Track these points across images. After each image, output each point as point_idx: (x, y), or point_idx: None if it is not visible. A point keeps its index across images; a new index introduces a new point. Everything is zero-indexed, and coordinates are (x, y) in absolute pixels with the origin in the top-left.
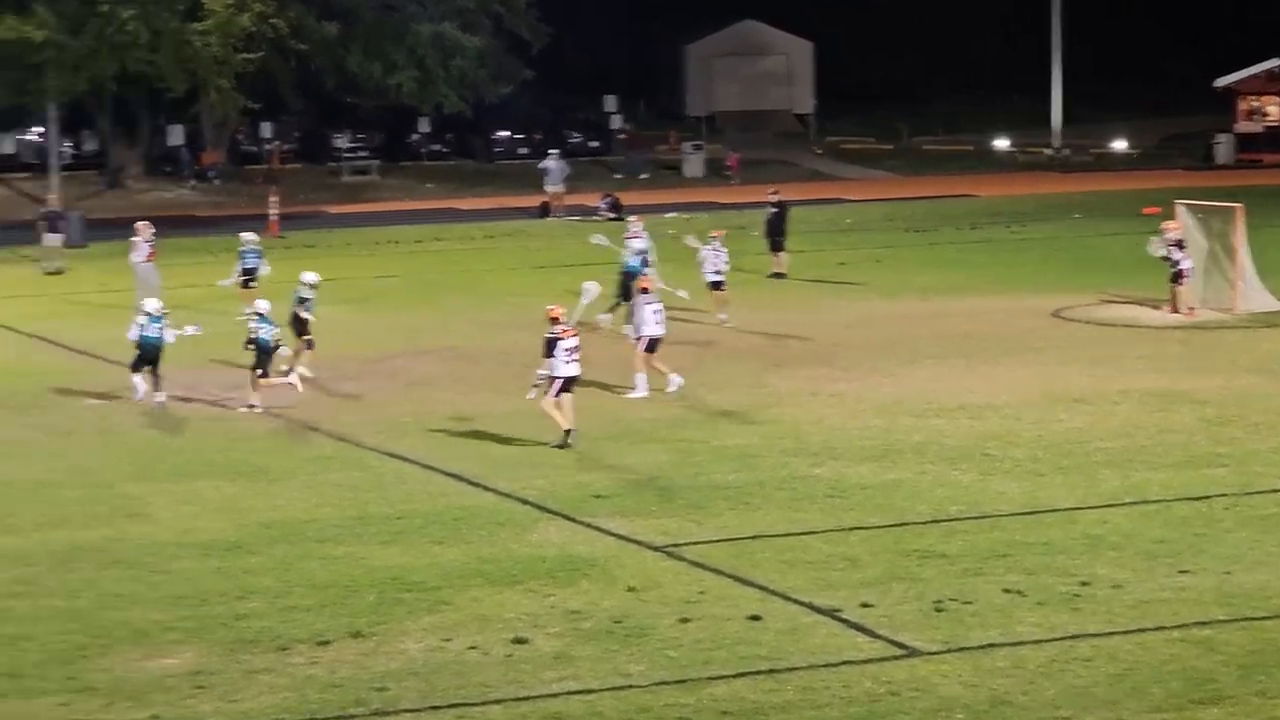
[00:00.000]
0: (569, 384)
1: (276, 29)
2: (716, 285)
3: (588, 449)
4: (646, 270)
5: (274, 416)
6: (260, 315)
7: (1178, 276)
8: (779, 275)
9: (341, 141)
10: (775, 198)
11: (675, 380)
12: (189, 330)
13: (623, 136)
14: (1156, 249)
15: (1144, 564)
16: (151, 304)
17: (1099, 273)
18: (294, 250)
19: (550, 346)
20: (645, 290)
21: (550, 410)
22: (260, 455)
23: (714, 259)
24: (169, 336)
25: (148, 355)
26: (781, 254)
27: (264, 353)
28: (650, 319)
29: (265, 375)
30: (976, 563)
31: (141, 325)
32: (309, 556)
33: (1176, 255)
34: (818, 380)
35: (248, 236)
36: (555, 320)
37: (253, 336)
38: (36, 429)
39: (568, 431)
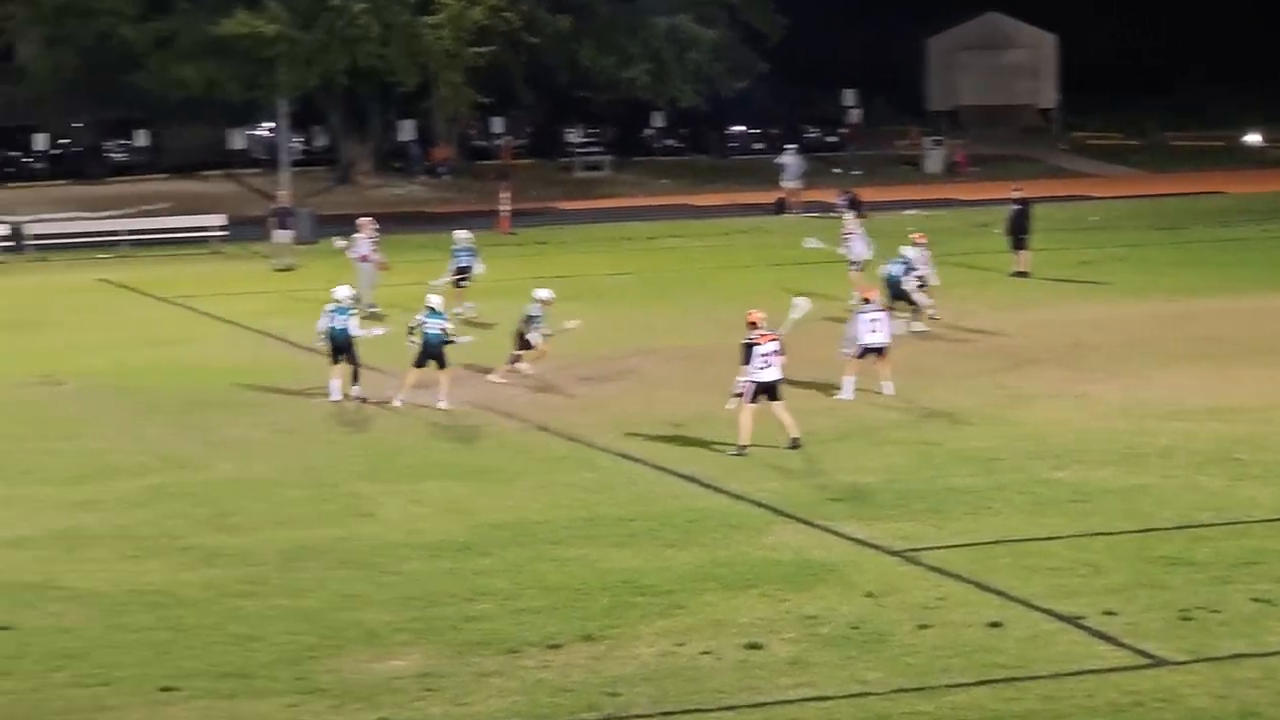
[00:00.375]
0: (768, 390)
1: (509, 22)
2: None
3: (823, 450)
4: (910, 276)
5: (509, 416)
6: (431, 310)
7: None
8: (1021, 274)
9: (574, 136)
10: (1018, 195)
11: (887, 387)
12: (375, 331)
13: (845, 131)
14: None
15: None
16: (340, 291)
17: None
18: (525, 247)
19: (747, 352)
20: (867, 300)
21: (742, 419)
22: (490, 455)
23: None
24: (354, 328)
25: (337, 346)
26: (1024, 252)
27: (426, 347)
28: (865, 329)
29: (428, 368)
30: (1225, 570)
31: (329, 314)
32: (540, 558)
33: None
34: (1060, 382)
35: (461, 234)
36: (754, 325)
37: (411, 326)
38: (264, 427)
39: (794, 439)
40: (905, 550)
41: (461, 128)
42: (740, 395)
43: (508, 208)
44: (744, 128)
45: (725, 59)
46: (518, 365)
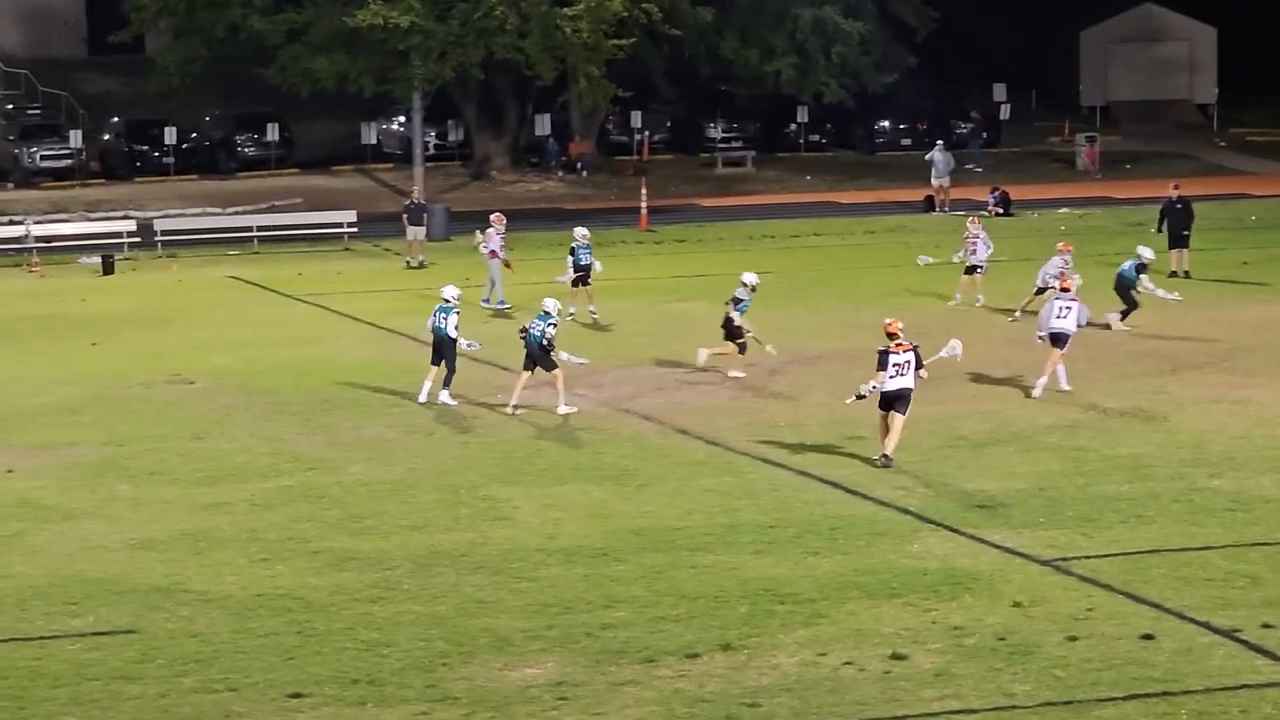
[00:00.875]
0: (895, 401)
1: (649, 14)
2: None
3: (972, 456)
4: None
5: (647, 419)
6: (545, 313)
7: None
8: (1177, 274)
9: (715, 131)
10: (1177, 193)
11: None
12: (473, 345)
13: (969, 124)
14: None
15: None
16: (448, 290)
17: None
18: (664, 245)
19: (882, 360)
20: (1065, 290)
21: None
22: (629, 459)
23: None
24: (451, 328)
25: (436, 346)
26: (1184, 251)
27: (527, 349)
28: (1052, 313)
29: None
30: None
31: (435, 313)
32: (678, 565)
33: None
34: (1219, 386)
35: (580, 232)
36: (892, 335)
37: (523, 329)
38: (396, 428)
39: (885, 456)
40: (1055, 560)
41: (600, 122)
42: (862, 397)
43: (646, 204)
44: (891, 123)
45: (872, 53)
46: (742, 351)
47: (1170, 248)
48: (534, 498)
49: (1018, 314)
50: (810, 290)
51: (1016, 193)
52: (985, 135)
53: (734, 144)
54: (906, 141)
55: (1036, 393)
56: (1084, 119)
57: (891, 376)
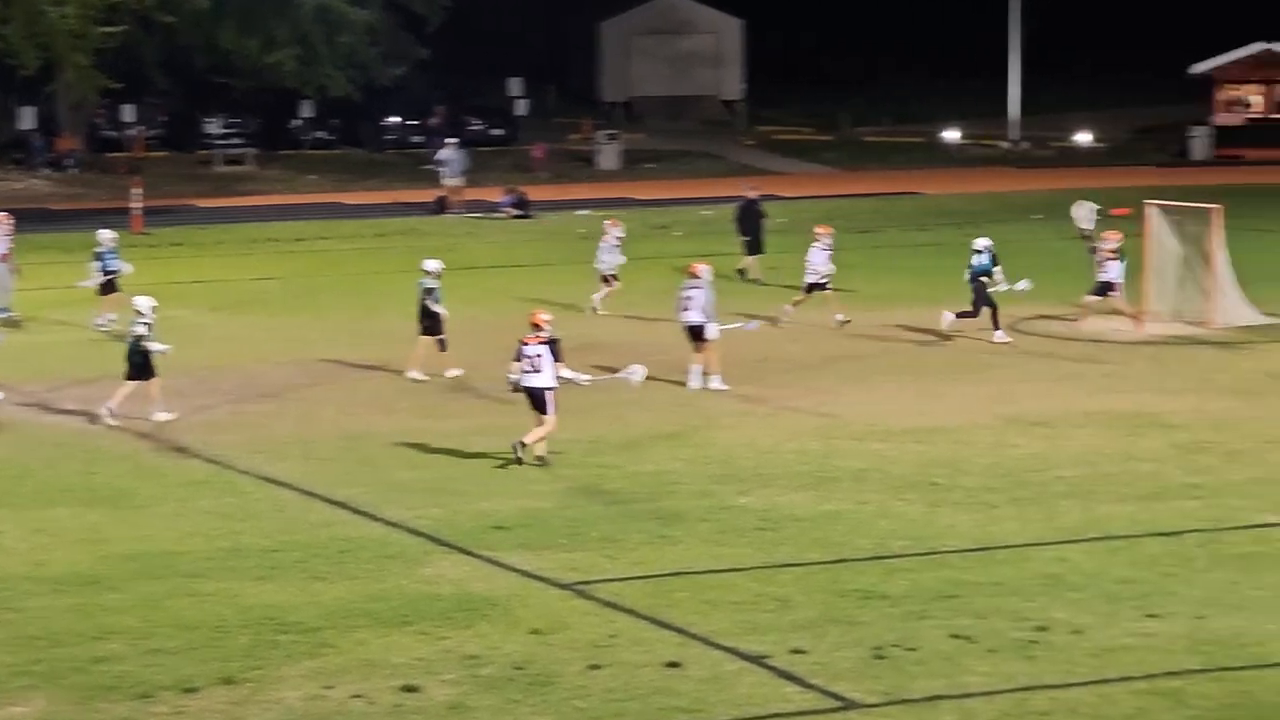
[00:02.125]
0: (530, 398)
1: (141, 0)
2: (818, 286)
3: (491, 474)
4: None
5: (144, 436)
6: (138, 313)
7: (1106, 288)
8: (742, 273)
9: (213, 127)
10: (755, 194)
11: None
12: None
13: (435, 120)
14: (1084, 216)
15: (1107, 607)
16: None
17: (1062, 281)
18: (159, 249)
19: (518, 351)
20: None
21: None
22: (124, 479)
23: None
24: None
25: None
26: (754, 257)
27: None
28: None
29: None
30: (921, 605)
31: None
32: (176, 593)
33: (1110, 265)
34: (748, 399)
35: (105, 234)
36: (536, 326)
37: (134, 338)
38: None
39: (520, 446)
40: (576, 583)
41: (89, 115)
42: (518, 389)
43: (140, 205)
44: (401, 119)
45: (380, 44)
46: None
47: (749, 253)
48: (20, 522)
49: (789, 309)
50: (317, 297)
51: (535, 193)
52: (456, 135)
53: (234, 141)
54: (418, 139)
55: (693, 384)
56: (606, 115)
57: (525, 370)
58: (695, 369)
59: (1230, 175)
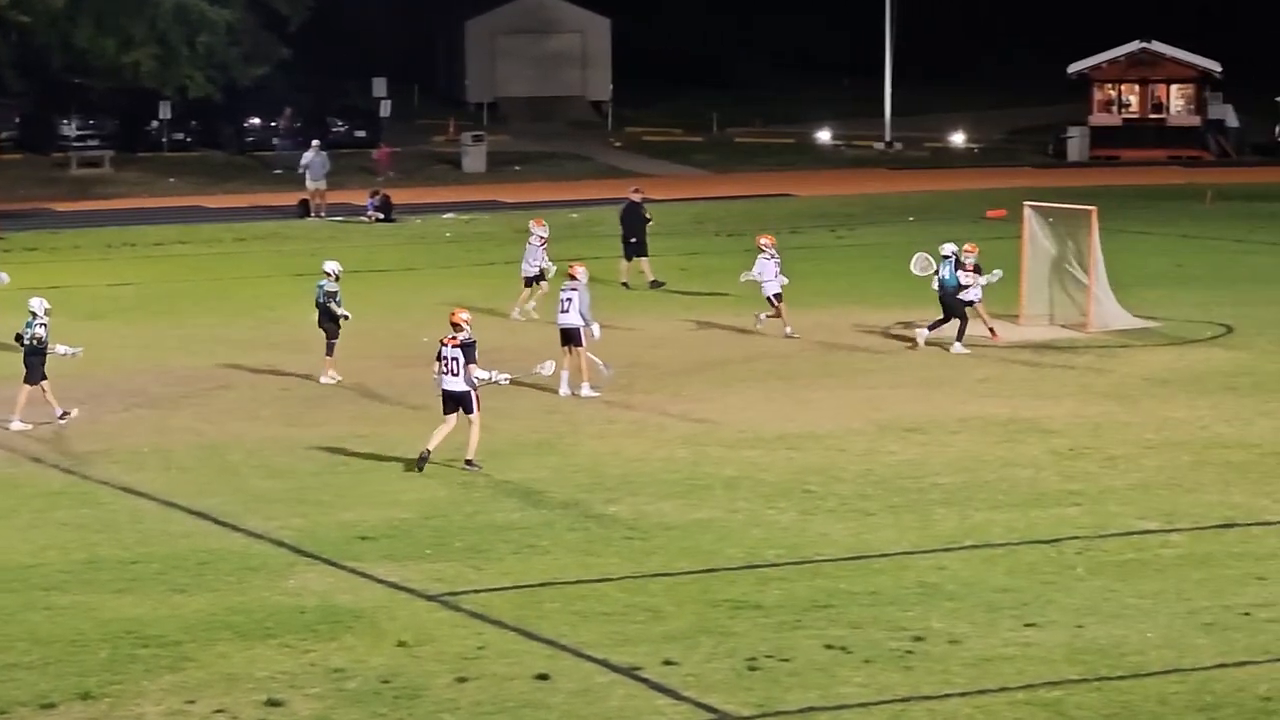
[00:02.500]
0: (447, 402)
1: None
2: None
3: (355, 481)
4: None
5: None
6: (33, 314)
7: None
8: (626, 284)
9: (69, 129)
10: (638, 196)
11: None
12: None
13: (284, 121)
14: (922, 267)
15: (985, 616)
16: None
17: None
18: (13, 253)
19: (439, 352)
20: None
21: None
22: None
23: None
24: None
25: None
26: (633, 261)
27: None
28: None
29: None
30: (795, 615)
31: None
32: (31, 607)
33: (968, 282)
34: (615, 406)
35: None
36: (456, 326)
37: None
38: None
39: (470, 460)
40: (442, 594)
41: None
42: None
43: None
44: (263, 121)
45: (242, 43)
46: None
47: (630, 256)
48: None
49: (763, 318)
50: (177, 303)
51: (399, 196)
52: (318, 137)
53: (90, 143)
54: (280, 141)
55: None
56: (471, 116)
57: (443, 373)
58: (564, 374)
59: (1106, 176)
